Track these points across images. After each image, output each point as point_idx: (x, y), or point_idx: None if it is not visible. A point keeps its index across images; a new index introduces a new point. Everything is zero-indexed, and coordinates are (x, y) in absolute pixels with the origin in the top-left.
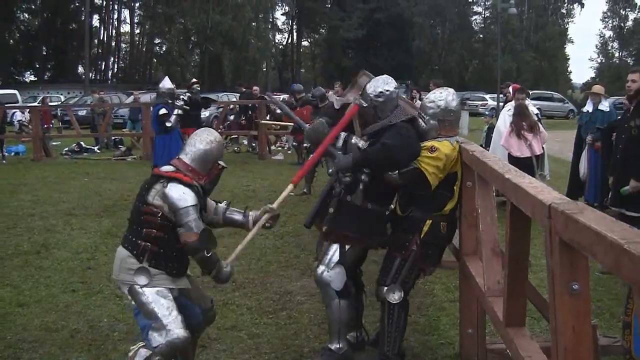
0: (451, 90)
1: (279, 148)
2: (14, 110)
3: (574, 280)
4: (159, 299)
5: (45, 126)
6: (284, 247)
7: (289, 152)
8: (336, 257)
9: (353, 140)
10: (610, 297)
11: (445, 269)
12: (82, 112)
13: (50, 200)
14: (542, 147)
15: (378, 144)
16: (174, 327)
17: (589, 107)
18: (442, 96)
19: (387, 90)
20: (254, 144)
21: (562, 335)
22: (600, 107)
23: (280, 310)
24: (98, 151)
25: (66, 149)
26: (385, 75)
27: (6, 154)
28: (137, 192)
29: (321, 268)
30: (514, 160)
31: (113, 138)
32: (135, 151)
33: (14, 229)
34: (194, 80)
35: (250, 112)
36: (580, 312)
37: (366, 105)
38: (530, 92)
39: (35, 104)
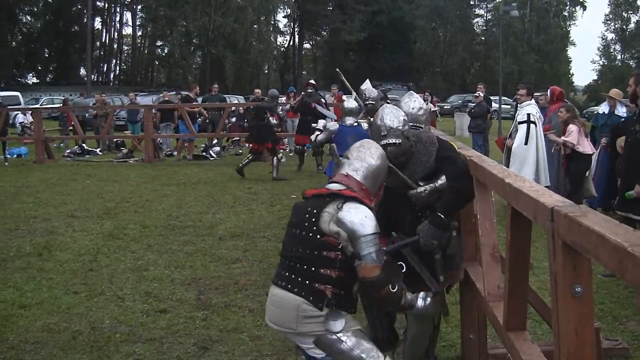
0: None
1: (281, 150)
2: (17, 113)
3: (576, 283)
4: (360, 342)
5: (70, 128)
6: None
7: (291, 154)
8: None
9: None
10: (612, 300)
11: None
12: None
13: (53, 202)
14: None
15: (448, 194)
16: None
17: (604, 109)
18: (418, 99)
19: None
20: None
21: (564, 338)
22: (617, 112)
23: None
24: (100, 153)
25: (68, 151)
26: (394, 108)
27: (8, 156)
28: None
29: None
30: (581, 157)
31: (115, 140)
32: (136, 153)
33: (17, 231)
34: (311, 81)
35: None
36: (583, 315)
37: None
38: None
39: (44, 105)
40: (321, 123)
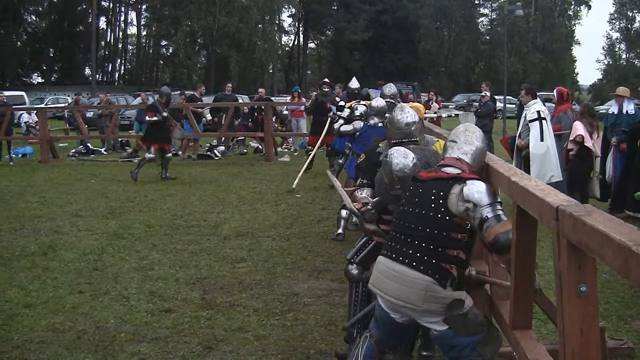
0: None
1: (285, 150)
2: (22, 112)
3: (581, 282)
4: (477, 314)
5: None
6: (290, 249)
7: (295, 154)
8: None
9: None
10: (617, 300)
11: None
12: (90, 114)
13: (58, 201)
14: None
15: None
16: (496, 336)
17: (614, 109)
18: (410, 112)
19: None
20: (260, 146)
21: (569, 337)
22: (625, 109)
23: (287, 312)
24: (105, 153)
25: (73, 150)
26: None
27: (14, 155)
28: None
29: None
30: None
31: (120, 140)
32: (141, 153)
33: (21, 230)
34: (326, 80)
35: (256, 114)
36: (588, 315)
37: None
38: (537, 94)
39: (49, 105)
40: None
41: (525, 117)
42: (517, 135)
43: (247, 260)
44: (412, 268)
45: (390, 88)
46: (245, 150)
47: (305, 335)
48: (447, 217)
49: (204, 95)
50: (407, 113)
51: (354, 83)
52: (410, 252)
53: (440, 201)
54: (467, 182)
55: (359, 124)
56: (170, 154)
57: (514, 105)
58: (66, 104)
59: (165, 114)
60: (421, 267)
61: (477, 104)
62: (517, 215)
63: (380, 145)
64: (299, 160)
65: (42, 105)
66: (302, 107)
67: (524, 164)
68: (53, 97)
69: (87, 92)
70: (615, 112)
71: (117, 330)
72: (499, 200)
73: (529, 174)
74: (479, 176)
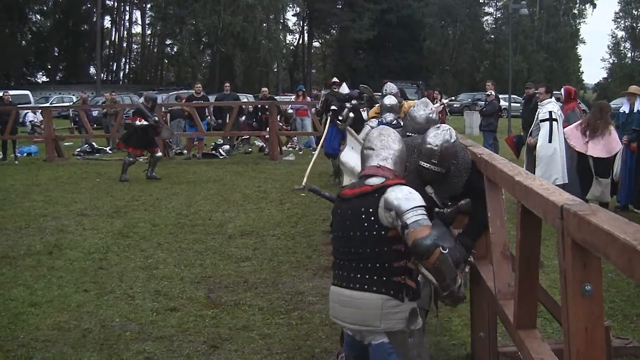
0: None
1: (290, 149)
2: (27, 111)
3: (586, 281)
4: (421, 342)
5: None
6: (295, 248)
7: (300, 152)
8: None
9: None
10: (622, 299)
11: None
12: (95, 113)
13: (63, 200)
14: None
15: (477, 226)
16: None
17: (625, 108)
18: (428, 106)
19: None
20: (264, 145)
21: (574, 337)
22: (637, 107)
23: (292, 311)
24: (110, 152)
25: (78, 149)
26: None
27: (19, 154)
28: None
29: None
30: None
31: None
32: (145, 152)
33: (27, 229)
34: (335, 79)
35: (260, 114)
36: (593, 314)
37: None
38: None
39: (54, 104)
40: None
41: (538, 115)
42: (529, 134)
43: (252, 259)
44: (363, 291)
45: (390, 88)
46: (250, 149)
47: (310, 334)
48: (383, 232)
49: (209, 94)
50: (429, 109)
51: (344, 89)
52: (358, 275)
53: (372, 218)
54: (387, 190)
55: (373, 123)
56: (159, 154)
57: (518, 104)
58: (71, 103)
59: (156, 119)
60: (373, 287)
61: (482, 102)
62: (522, 214)
63: None
64: (304, 159)
65: (47, 105)
66: (314, 110)
67: (533, 163)
68: (58, 96)
69: (92, 91)
70: (627, 111)
71: (123, 329)
72: (420, 204)
73: None
74: (403, 180)
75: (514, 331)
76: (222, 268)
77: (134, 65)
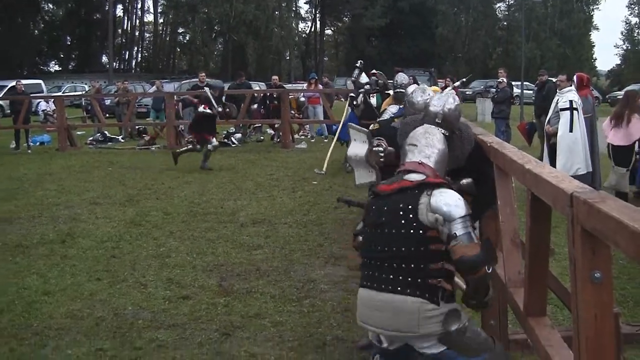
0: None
1: (302, 137)
2: (39, 100)
3: (596, 269)
4: (476, 329)
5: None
6: (307, 236)
7: (312, 140)
8: None
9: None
10: (634, 286)
11: None
12: (107, 102)
13: (75, 189)
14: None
15: (480, 205)
16: (503, 354)
17: None
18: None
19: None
20: (270, 131)
21: (584, 324)
22: None
23: (303, 299)
24: (122, 140)
25: (90, 138)
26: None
27: (31, 144)
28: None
29: None
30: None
31: (137, 127)
32: (159, 140)
33: (40, 218)
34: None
35: (268, 102)
36: (603, 301)
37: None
38: (554, 80)
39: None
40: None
41: (557, 103)
42: (547, 122)
43: (264, 247)
44: (397, 293)
45: (402, 79)
46: (262, 138)
47: (321, 322)
48: (421, 231)
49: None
50: (427, 95)
51: (364, 78)
52: (391, 277)
53: (411, 215)
54: (434, 191)
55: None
56: (216, 143)
57: (531, 92)
58: (83, 92)
59: (220, 110)
60: (408, 290)
61: (494, 90)
62: (531, 202)
63: (395, 120)
64: (316, 147)
65: (60, 94)
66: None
67: (552, 152)
68: (70, 85)
69: (104, 80)
70: None
71: (135, 317)
72: (469, 213)
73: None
74: (445, 181)
75: (523, 318)
76: (234, 256)
77: (146, 54)
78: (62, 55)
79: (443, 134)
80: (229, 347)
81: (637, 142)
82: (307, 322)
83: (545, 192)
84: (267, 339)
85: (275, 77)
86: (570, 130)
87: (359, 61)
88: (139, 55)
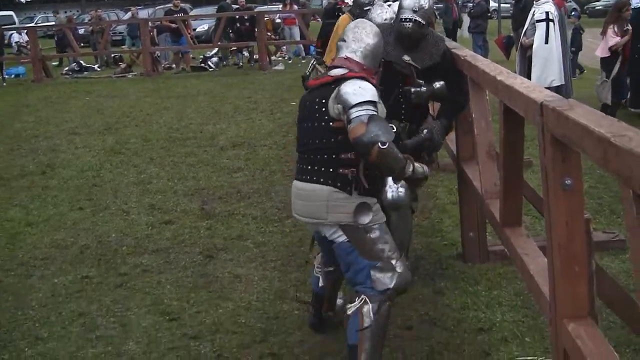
0: None
1: (280, 58)
2: (12, 32)
3: (566, 175)
4: (383, 236)
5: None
6: (287, 157)
7: (290, 61)
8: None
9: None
10: (610, 195)
11: (447, 172)
12: (81, 31)
13: (53, 120)
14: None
15: (453, 105)
16: (404, 269)
17: (636, 3)
18: (389, 9)
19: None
20: (246, 54)
21: (555, 230)
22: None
23: (285, 219)
24: (98, 69)
25: (66, 68)
26: None
27: (6, 76)
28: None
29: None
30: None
31: (113, 55)
32: (135, 68)
33: (19, 150)
34: None
35: (238, 24)
36: (574, 207)
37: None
38: None
39: (39, 24)
40: None
41: (534, 14)
42: (523, 33)
43: (244, 169)
44: (313, 182)
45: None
46: (241, 64)
47: (303, 240)
48: (331, 123)
49: (197, 7)
50: (384, 10)
51: None
52: (309, 167)
53: (323, 109)
54: (345, 82)
55: None
56: None
57: (508, 5)
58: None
59: None
60: (321, 179)
61: (470, 4)
62: (504, 113)
63: None
64: (294, 68)
65: (32, 24)
66: None
67: (527, 64)
68: (43, 16)
69: (77, 9)
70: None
71: (119, 244)
72: (368, 99)
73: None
74: (372, 74)
75: (500, 229)
76: (214, 180)
77: None
78: None
79: (420, 21)
80: (212, 269)
81: (621, 54)
82: (290, 241)
83: (517, 102)
84: (250, 260)
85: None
86: (546, 42)
87: None
88: None
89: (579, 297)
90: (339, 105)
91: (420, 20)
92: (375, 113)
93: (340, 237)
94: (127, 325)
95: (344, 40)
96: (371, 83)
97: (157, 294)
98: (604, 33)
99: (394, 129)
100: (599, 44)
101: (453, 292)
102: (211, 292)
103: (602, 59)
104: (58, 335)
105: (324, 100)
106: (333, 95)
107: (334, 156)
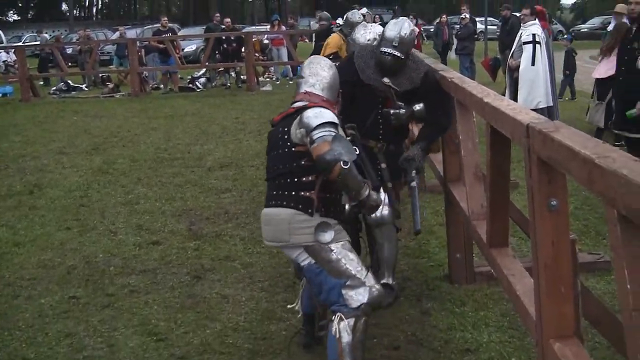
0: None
1: (267, 79)
2: None
3: (552, 197)
4: (347, 254)
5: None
6: None
7: (277, 82)
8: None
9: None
10: (595, 216)
11: (434, 193)
12: (69, 50)
13: (41, 140)
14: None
15: (436, 127)
16: (373, 282)
17: (611, 27)
18: (373, 29)
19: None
20: (233, 74)
21: (541, 250)
22: None
23: None
24: (86, 89)
25: (54, 88)
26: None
27: None
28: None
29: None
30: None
31: (100, 75)
32: (123, 88)
33: (6, 170)
34: None
35: (224, 45)
36: (559, 228)
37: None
38: (518, 14)
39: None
40: None
41: (521, 36)
42: (510, 55)
43: (232, 190)
44: (276, 207)
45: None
46: (229, 84)
47: (291, 262)
48: (293, 149)
49: (185, 27)
50: (368, 32)
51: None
52: (274, 193)
53: (286, 136)
54: (306, 110)
55: None
56: None
57: (495, 27)
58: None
59: None
60: (284, 202)
61: (457, 26)
62: (491, 135)
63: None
64: (281, 89)
65: (20, 44)
66: None
67: (515, 85)
68: (31, 35)
69: (65, 29)
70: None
71: (106, 264)
72: (329, 121)
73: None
74: (333, 104)
75: (486, 249)
76: (202, 200)
77: (106, 0)
78: (20, 5)
79: (399, 56)
80: (200, 289)
81: None
82: (277, 262)
83: (503, 124)
84: (237, 281)
85: (227, 20)
86: (533, 64)
87: None
88: (100, 2)
89: (565, 317)
90: (302, 129)
91: (399, 55)
92: (337, 133)
93: (306, 260)
94: (114, 345)
95: (302, 77)
96: (332, 112)
97: (145, 315)
98: (606, 54)
99: (357, 151)
100: (590, 67)
101: (440, 313)
102: (199, 312)
103: (598, 80)
104: (45, 355)
105: (286, 129)
106: (295, 121)
107: (296, 180)
